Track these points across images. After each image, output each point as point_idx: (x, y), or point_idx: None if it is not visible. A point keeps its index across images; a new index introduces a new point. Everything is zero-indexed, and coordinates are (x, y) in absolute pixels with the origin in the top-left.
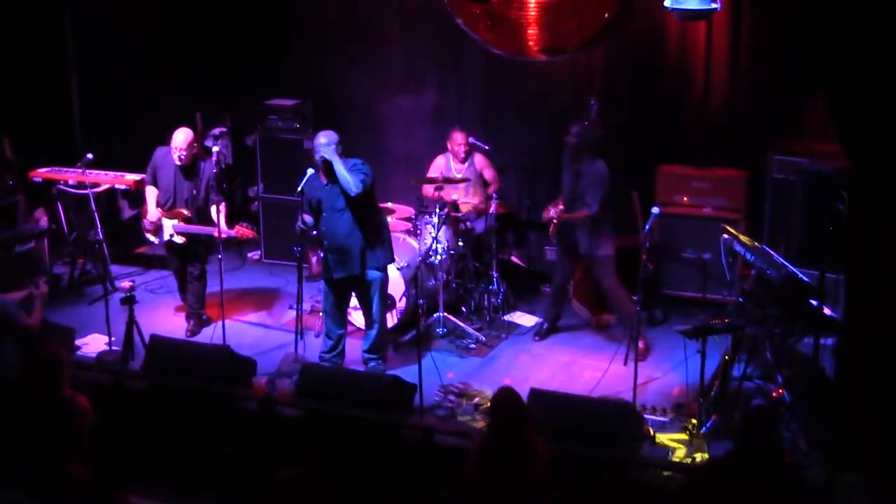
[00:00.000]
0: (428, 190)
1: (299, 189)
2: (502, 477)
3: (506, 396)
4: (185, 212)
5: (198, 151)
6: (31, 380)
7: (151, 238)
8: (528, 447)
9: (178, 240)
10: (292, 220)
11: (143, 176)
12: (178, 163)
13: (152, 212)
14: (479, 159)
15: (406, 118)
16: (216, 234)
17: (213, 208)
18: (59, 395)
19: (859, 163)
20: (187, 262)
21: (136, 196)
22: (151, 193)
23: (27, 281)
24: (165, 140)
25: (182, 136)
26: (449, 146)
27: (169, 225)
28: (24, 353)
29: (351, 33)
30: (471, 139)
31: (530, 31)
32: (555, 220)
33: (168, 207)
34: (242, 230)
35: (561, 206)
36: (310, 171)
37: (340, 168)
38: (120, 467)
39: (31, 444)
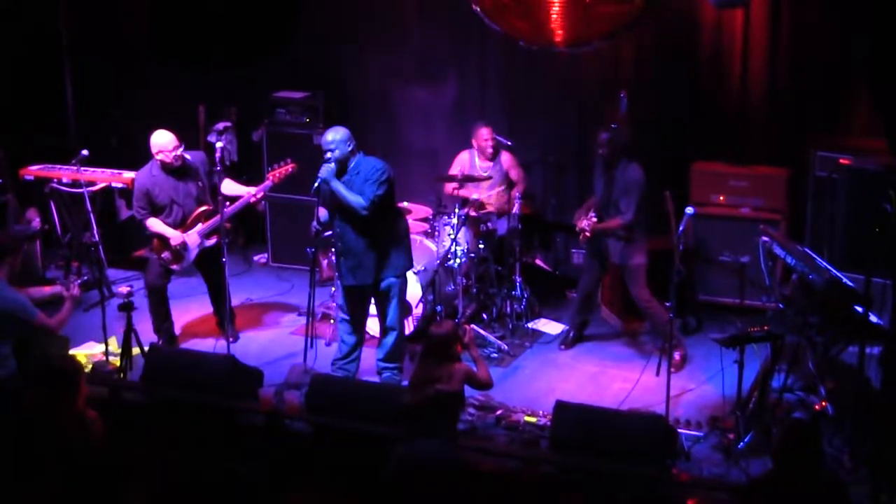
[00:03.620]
0: (448, 188)
1: (315, 187)
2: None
3: (444, 331)
4: (205, 207)
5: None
6: (43, 395)
7: (175, 266)
8: (444, 371)
9: (210, 242)
10: (301, 221)
11: (132, 215)
12: (176, 164)
13: (175, 235)
14: (505, 158)
15: (424, 112)
16: (253, 200)
17: (223, 184)
18: (73, 411)
19: None
20: (212, 273)
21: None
22: (157, 223)
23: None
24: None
25: (168, 137)
26: (475, 143)
27: (193, 236)
28: (21, 357)
29: (364, 20)
30: (493, 135)
31: (555, 22)
32: (587, 234)
33: (182, 222)
34: (278, 171)
35: (593, 217)
36: (325, 166)
37: (342, 191)
38: (117, 484)
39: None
